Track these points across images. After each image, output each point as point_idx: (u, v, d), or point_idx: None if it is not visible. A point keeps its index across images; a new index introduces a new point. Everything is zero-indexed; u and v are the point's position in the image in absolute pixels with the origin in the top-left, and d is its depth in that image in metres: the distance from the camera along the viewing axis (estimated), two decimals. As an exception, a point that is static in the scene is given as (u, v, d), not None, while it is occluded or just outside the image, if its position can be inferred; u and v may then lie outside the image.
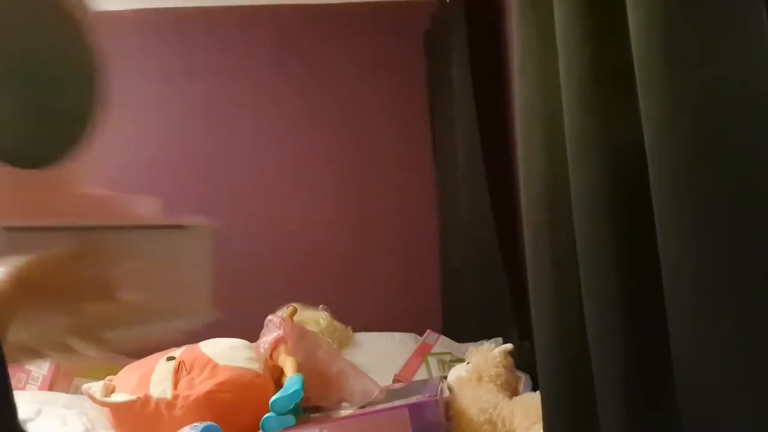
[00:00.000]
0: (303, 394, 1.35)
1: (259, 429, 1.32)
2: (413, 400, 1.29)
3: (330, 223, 2.86)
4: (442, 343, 1.92)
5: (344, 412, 1.36)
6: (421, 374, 1.78)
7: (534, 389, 1.54)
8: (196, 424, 1.26)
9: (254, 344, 1.62)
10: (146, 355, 1.55)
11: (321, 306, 2.27)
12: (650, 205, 0.69)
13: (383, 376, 1.70)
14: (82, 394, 1.41)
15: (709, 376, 0.62)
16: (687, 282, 0.64)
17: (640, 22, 0.67)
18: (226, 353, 1.48)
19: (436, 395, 1.31)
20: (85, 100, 0.46)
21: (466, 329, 2.12)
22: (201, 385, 1.39)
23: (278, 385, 1.46)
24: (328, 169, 2.86)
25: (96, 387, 1.41)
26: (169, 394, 1.37)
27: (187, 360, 1.45)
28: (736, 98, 0.59)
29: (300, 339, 1.61)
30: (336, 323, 2.20)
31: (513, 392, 1.54)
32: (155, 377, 1.42)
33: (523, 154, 1.02)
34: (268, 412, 1.32)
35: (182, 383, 1.40)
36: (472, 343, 1.84)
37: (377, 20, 2.80)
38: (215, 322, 0.64)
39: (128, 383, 1.43)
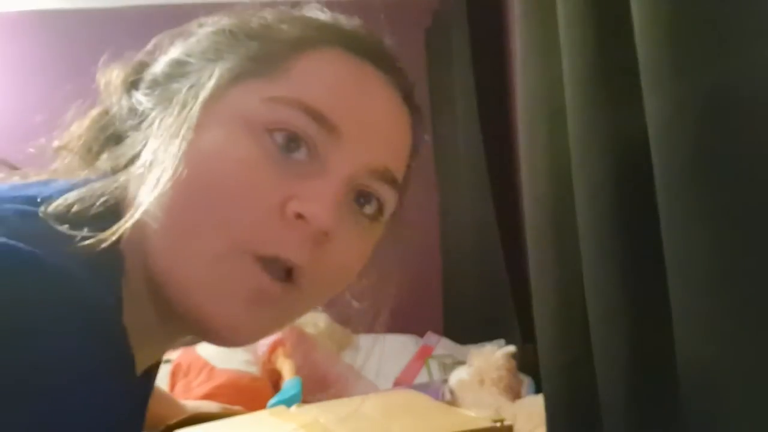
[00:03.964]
0: (301, 398, 1.34)
1: (257, 432, 1.31)
2: (414, 403, 1.27)
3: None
4: (444, 346, 1.90)
5: (344, 416, 1.35)
6: (422, 377, 1.77)
7: (537, 392, 1.53)
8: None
9: (252, 347, 1.61)
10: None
11: (320, 308, 2.26)
12: (655, 204, 0.68)
13: (383, 379, 1.69)
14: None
15: (715, 377, 0.62)
16: (692, 283, 0.63)
17: (644, 21, 0.67)
18: (223, 356, 1.48)
19: (437, 398, 1.29)
20: None
21: (467, 331, 2.10)
22: (198, 388, 1.39)
23: (276, 388, 1.45)
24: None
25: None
26: (165, 397, 1.37)
27: (184, 363, 1.45)
28: (742, 98, 0.59)
29: (298, 342, 1.60)
30: (335, 325, 2.19)
31: (515, 395, 1.53)
32: (152, 380, 1.41)
33: (526, 152, 1.02)
34: (267, 415, 1.31)
35: (179, 386, 1.40)
36: (474, 346, 1.83)
37: (378, 17, 2.79)
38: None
39: (125, 386, 1.43)
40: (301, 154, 0.48)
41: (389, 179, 0.52)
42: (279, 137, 0.48)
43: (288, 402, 1.31)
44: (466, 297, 2.24)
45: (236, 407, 1.08)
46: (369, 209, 0.52)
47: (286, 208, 0.47)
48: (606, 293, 0.80)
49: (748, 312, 0.58)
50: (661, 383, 0.74)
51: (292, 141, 0.48)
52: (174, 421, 0.95)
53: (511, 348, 1.60)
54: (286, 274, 0.48)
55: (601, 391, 0.85)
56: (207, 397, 1.36)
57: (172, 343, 0.57)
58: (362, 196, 0.51)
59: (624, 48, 0.74)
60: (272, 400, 1.32)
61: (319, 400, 1.48)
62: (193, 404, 1.07)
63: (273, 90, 0.48)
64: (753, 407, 0.58)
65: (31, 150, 0.55)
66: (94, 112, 0.55)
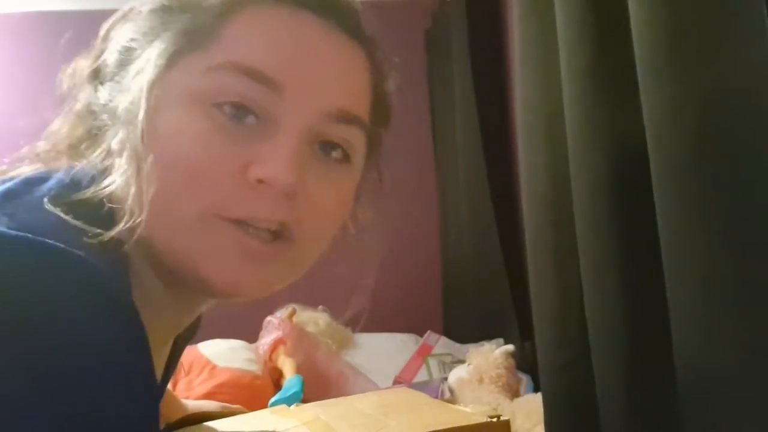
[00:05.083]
0: (302, 396, 1.34)
1: (258, 431, 1.31)
2: (413, 401, 1.27)
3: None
4: (443, 344, 1.90)
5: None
6: (421, 376, 1.77)
7: (535, 390, 1.53)
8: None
9: (253, 345, 1.61)
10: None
11: (320, 307, 2.26)
12: (652, 203, 0.68)
13: (383, 378, 1.69)
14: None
15: (712, 375, 0.62)
16: (690, 282, 0.63)
17: (642, 20, 0.67)
18: (225, 354, 1.48)
19: (436, 397, 1.30)
20: None
21: (466, 330, 2.10)
22: (200, 386, 1.39)
23: (277, 386, 1.45)
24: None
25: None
26: (167, 395, 1.37)
27: (186, 361, 1.45)
28: (738, 96, 0.59)
29: (299, 340, 1.60)
30: (335, 324, 2.19)
31: (514, 394, 1.53)
32: (153, 379, 1.42)
33: (525, 152, 1.02)
34: (267, 413, 1.31)
35: (181, 385, 1.39)
36: (473, 344, 1.83)
37: (377, 19, 2.78)
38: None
39: (126, 385, 1.43)
40: (251, 120, 0.49)
41: (347, 119, 0.52)
42: (227, 109, 0.49)
43: (289, 400, 1.32)
44: (465, 296, 2.24)
45: (237, 406, 1.08)
46: (336, 155, 0.53)
47: (247, 175, 0.48)
48: (604, 292, 0.81)
49: (746, 311, 0.59)
50: (659, 382, 0.74)
51: (240, 109, 0.49)
52: (174, 420, 0.95)
53: (510, 347, 1.60)
54: (274, 235, 0.50)
55: (599, 390, 0.85)
56: (208, 395, 1.36)
57: (194, 307, 0.58)
58: (327, 144, 0.52)
59: (622, 48, 0.75)
60: (273, 399, 1.32)
61: (320, 398, 1.49)
62: (194, 404, 1.08)
63: (209, 60, 0.49)
64: (751, 407, 0.58)
65: (32, 146, 0.55)
66: (74, 111, 0.56)
